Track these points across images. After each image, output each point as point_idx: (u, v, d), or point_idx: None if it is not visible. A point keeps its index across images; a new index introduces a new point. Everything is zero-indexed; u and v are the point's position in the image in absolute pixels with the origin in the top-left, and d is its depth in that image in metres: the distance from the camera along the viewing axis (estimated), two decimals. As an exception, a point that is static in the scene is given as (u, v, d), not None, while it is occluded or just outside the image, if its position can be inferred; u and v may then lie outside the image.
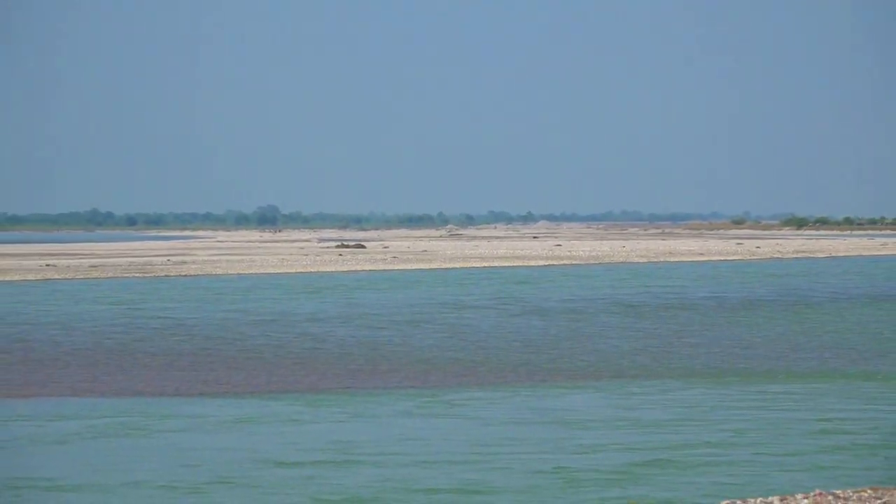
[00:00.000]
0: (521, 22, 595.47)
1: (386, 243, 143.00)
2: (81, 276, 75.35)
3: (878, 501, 13.50)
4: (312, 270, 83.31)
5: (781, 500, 14.52)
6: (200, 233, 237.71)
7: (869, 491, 14.58)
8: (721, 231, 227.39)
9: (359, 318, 46.55)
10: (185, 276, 77.12)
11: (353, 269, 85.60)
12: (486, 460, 19.94)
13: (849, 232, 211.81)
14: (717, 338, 40.16)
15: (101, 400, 27.25)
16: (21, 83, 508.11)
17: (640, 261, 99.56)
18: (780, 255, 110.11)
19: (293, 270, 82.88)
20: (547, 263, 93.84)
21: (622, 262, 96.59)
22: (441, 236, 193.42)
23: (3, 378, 30.56)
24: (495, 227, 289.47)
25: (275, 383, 30.22)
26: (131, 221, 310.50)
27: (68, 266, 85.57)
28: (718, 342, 38.95)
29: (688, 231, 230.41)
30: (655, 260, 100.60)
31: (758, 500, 14.72)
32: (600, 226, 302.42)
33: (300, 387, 29.61)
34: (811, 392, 28.16)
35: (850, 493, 14.53)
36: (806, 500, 14.38)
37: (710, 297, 57.42)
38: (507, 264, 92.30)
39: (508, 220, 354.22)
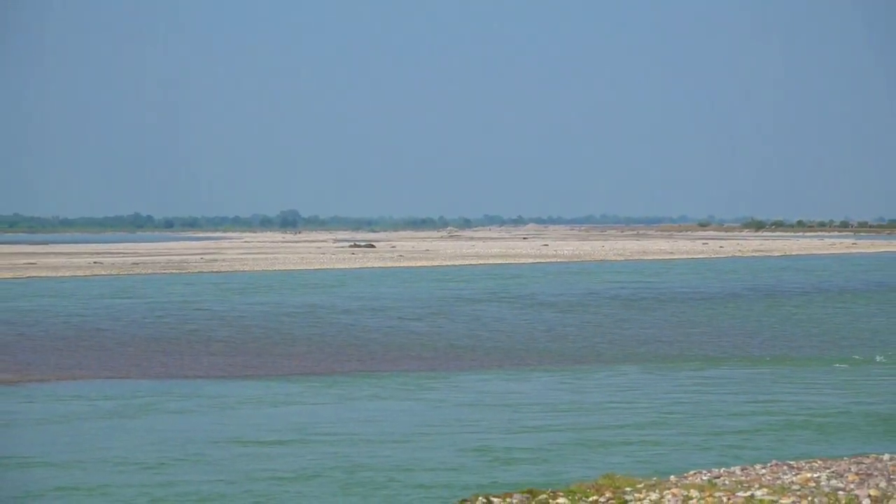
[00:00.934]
0: (507, 46, 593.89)
1: (393, 243, 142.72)
2: (125, 273, 75.26)
3: (827, 471, 13.58)
4: (329, 267, 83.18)
5: (742, 470, 14.18)
6: (229, 234, 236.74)
7: (819, 462, 14.49)
8: (689, 232, 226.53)
9: (359, 310, 46.60)
10: (217, 272, 76.95)
11: (364, 265, 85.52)
12: (431, 439, 19.51)
13: (801, 233, 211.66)
14: (673, 325, 39.94)
15: (142, 382, 27.20)
16: (69, 100, 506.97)
17: (618, 259, 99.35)
18: (740, 254, 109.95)
19: (312, 267, 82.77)
20: (535, 261, 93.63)
21: (601, 260, 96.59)
22: (442, 237, 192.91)
23: (57, 363, 30.57)
24: (490, 229, 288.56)
25: (295, 367, 30.08)
26: (169, 224, 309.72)
27: (113, 263, 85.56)
28: (672, 330, 38.64)
29: (659, 232, 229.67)
30: (630, 258, 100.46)
31: (721, 471, 14.24)
32: (582, 228, 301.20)
33: (318, 370, 29.51)
34: (758, 375, 27.87)
35: (803, 464, 14.40)
36: (764, 470, 14.02)
37: (679, 291, 57.61)
38: (500, 262, 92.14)
39: (501, 222, 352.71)
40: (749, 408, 22.32)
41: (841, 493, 11.31)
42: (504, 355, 32.47)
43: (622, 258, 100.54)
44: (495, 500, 10.75)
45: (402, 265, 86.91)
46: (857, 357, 31.14)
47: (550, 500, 10.66)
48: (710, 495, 10.65)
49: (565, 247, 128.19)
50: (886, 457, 14.75)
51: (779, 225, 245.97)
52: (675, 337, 36.79)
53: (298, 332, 38.45)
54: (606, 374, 28.38)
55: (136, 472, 17.24)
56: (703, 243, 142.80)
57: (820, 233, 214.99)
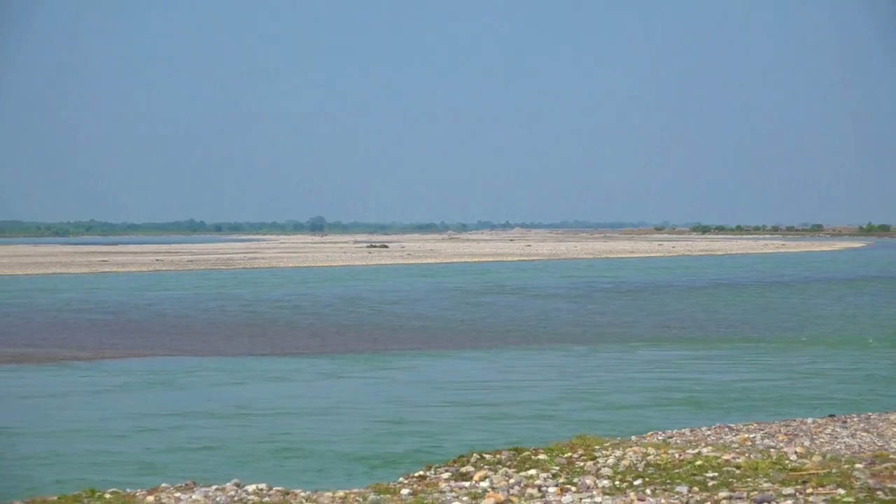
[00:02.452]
0: (501, 76, 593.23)
1: (403, 244, 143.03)
2: (181, 269, 75.41)
3: (761, 432, 13.63)
4: (349, 264, 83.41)
5: (691, 432, 14.10)
6: (267, 237, 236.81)
7: (755, 424, 14.52)
8: (647, 235, 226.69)
9: (361, 300, 46.78)
10: (257, 268, 77.22)
11: (379, 262, 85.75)
12: (350, 412, 18.57)
13: (739, 236, 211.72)
14: (625, 312, 39.82)
15: (191, 358, 27.04)
16: (138, 119, 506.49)
17: (587, 257, 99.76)
18: (689, 253, 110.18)
19: (335, 264, 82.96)
20: (520, 259, 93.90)
21: (574, 258, 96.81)
22: (443, 239, 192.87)
23: (126, 343, 30.68)
24: (482, 233, 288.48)
25: (323, 346, 29.81)
26: (217, 228, 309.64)
27: (171, 261, 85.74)
28: (625, 316, 38.39)
29: (623, 235, 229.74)
30: (598, 256, 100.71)
31: (674, 432, 14.19)
32: (559, 231, 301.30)
33: (340, 349, 29.21)
34: (689, 355, 27.28)
35: (741, 426, 14.40)
36: (709, 431, 13.98)
37: (634, 283, 57.79)
38: (490, 259, 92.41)
39: (492, 227, 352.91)
40: (658, 384, 21.50)
41: (773, 450, 11.31)
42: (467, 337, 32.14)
43: (591, 256, 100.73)
44: (487, 455, 10.74)
45: (409, 262, 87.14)
46: (786, 338, 30.51)
47: (532, 456, 10.65)
48: (665, 452, 10.64)
49: (545, 247, 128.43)
50: (810, 420, 14.77)
51: (721, 229, 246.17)
52: (625, 322, 36.46)
53: (325, 317, 38.41)
54: (549, 351, 27.85)
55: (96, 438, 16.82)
56: (659, 244, 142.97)
57: (755, 235, 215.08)
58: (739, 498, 8.81)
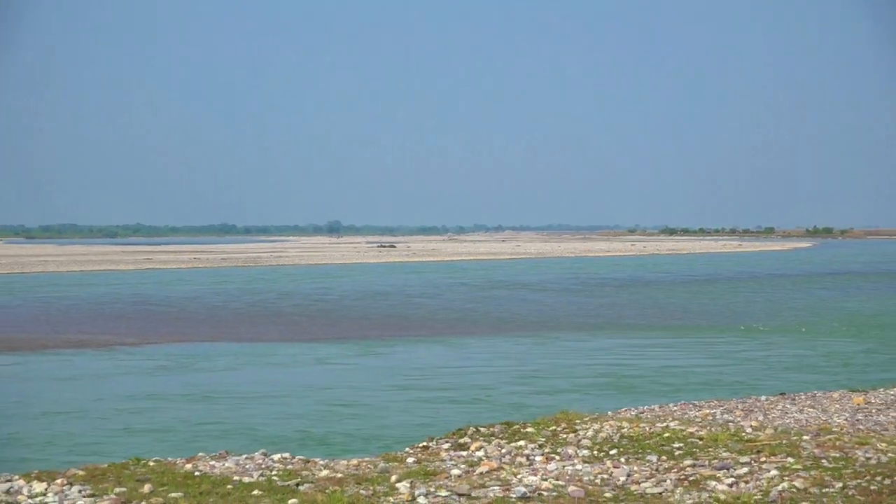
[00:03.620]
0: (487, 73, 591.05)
1: (408, 244, 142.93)
2: (215, 265, 75.41)
3: (720, 408, 13.58)
4: (362, 261, 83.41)
5: (660, 408, 13.83)
6: (290, 238, 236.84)
7: (715, 402, 14.38)
8: (621, 237, 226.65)
9: (373, 295, 46.66)
10: (282, 265, 77.21)
11: (387, 260, 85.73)
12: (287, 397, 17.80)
13: (702, 237, 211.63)
14: (598, 306, 39.89)
15: (223, 344, 27.08)
16: (175, 131, 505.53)
17: (570, 255, 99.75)
18: (657, 252, 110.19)
19: (350, 261, 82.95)
20: (510, 258, 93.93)
21: (557, 256, 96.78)
22: (443, 240, 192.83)
23: (167, 330, 30.64)
24: (477, 234, 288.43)
25: (336, 333, 29.70)
26: (247, 230, 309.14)
27: (207, 258, 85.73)
28: (596, 309, 38.40)
29: (600, 237, 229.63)
30: (579, 255, 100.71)
31: (644, 408, 13.98)
32: (545, 233, 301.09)
33: (356, 336, 29.08)
34: (647, 342, 27.11)
35: (703, 403, 14.29)
36: (675, 407, 13.86)
37: (607, 279, 57.78)
38: (485, 258, 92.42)
39: (486, 229, 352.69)
40: (607, 369, 20.99)
41: (731, 424, 11.30)
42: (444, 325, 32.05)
43: (574, 255, 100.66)
44: (482, 429, 10.73)
45: (414, 260, 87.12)
46: (741, 327, 30.20)
47: (521, 429, 10.64)
48: (637, 425, 10.63)
49: (532, 247, 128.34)
50: (763, 398, 14.75)
51: (685, 231, 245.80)
52: (598, 311, 36.37)
53: (338, 307, 38.39)
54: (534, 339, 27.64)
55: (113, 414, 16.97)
56: (632, 244, 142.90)
57: (715, 237, 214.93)
58: (702, 465, 8.80)
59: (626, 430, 10.35)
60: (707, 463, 8.84)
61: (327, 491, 7.77)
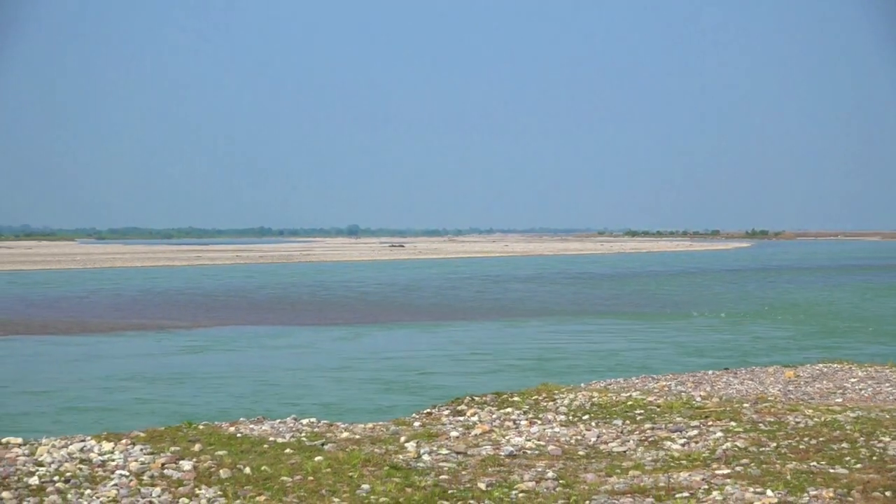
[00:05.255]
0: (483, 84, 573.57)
1: (415, 245, 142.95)
2: (253, 262, 75.39)
3: (675, 380, 13.24)
4: (376, 259, 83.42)
5: (624, 380, 13.51)
6: (316, 239, 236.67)
7: (671, 375, 13.89)
8: (592, 238, 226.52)
9: (406, 288, 46.48)
10: (310, 261, 77.23)
11: (398, 257, 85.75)
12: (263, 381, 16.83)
13: (659, 238, 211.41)
14: (570, 294, 39.74)
15: (253, 327, 26.84)
16: (218, 142, 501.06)
17: (549, 253, 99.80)
18: (622, 251, 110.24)
19: (366, 259, 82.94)
20: (500, 256, 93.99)
21: (539, 255, 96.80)
22: (444, 241, 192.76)
23: (212, 315, 30.44)
24: (472, 236, 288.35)
25: (362, 319, 29.37)
26: (280, 233, 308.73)
27: (247, 256, 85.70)
28: (570, 297, 38.09)
29: (575, 238, 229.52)
30: (557, 254, 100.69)
31: (611, 380, 13.36)
32: (529, 235, 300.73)
33: (373, 320, 28.77)
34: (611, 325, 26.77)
35: (661, 377, 13.91)
36: (637, 380, 13.36)
37: (578, 273, 57.69)
38: (479, 256, 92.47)
39: (479, 232, 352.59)
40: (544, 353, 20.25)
41: (683, 394, 11.29)
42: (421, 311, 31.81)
43: (553, 253, 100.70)
44: (476, 398, 10.71)
45: (420, 257, 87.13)
46: (695, 314, 29.37)
47: (509, 399, 10.63)
48: (605, 395, 10.63)
49: (518, 247, 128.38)
50: (711, 372, 14.70)
51: (646, 233, 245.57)
52: (569, 301, 36.09)
53: (348, 297, 38.22)
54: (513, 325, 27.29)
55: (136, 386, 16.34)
56: (601, 244, 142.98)
57: (670, 238, 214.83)
58: (660, 428, 8.80)
59: (596, 398, 10.36)
60: (664, 426, 8.84)
61: (347, 449, 7.78)
